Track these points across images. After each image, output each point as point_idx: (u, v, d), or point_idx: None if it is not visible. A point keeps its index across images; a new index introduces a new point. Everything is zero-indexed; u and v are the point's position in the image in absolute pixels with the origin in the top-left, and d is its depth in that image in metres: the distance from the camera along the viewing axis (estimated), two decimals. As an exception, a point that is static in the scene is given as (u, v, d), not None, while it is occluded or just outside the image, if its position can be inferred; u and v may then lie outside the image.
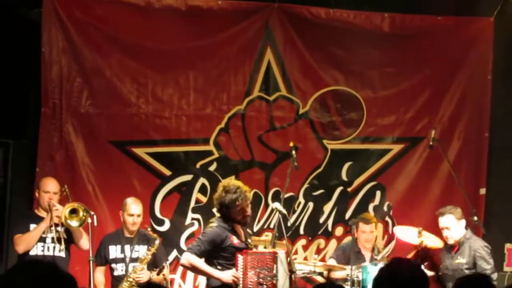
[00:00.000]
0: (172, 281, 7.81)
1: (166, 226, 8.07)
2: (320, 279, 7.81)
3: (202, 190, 8.15)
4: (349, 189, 8.52)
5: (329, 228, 8.45)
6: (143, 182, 8.00)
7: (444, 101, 8.61)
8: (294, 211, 8.26)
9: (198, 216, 8.13)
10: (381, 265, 6.40)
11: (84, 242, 6.86)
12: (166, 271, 6.91)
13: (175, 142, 8.14)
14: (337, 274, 7.34)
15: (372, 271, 6.89)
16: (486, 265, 7.11)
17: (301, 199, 8.38)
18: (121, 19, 7.90)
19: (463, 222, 7.32)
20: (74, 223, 6.78)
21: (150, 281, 6.78)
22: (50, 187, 6.98)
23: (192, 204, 8.15)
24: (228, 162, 8.24)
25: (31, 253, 6.84)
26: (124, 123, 7.96)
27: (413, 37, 8.54)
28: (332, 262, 7.66)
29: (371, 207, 8.52)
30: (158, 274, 6.83)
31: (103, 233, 7.29)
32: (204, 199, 8.15)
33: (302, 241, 8.41)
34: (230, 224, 6.40)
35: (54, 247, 6.89)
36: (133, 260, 7.04)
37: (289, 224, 7.84)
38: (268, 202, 8.23)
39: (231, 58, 8.21)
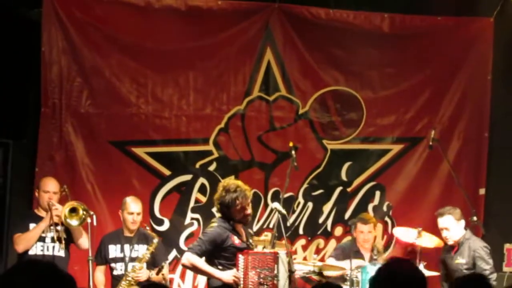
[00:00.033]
0: (171, 280, 7.82)
1: (166, 226, 8.07)
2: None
3: (202, 190, 8.15)
4: (348, 189, 8.51)
5: (329, 228, 8.45)
6: (142, 182, 8.00)
7: (444, 101, 8.60)
8: (294, 211, 8.25)
9: (197, 216, 8.13)
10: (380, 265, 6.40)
11: (84, 241, 6.86)
12: (165, 270, 6.91)
13: (174, 142, 8.14)
14: (333, 273, 7.34)
15: (371, 271, 6.88)
16: (486, 265, 7.11)
17: (300, 199, 8.37)
18: (121, 19, 7.90)
19: (462, 222, 7.32)
20: (74, 222, 6.79)
21: (149, 280, 6.79)
22: (49, 187, 6.98)
23: (192, 204, 8.15)
24: (227, 162, 8.24)
25: (31, 252, 6.84)
26: (124, 123, 7.96)
27: (413, 37, 8.53)
28: (331, 261, 7.66)
29: (370, 207, 8.51)
30: (157, 273, 6.83)
31: (103, 233, 7.29)
32: (203, 199, 8.15)
33: (302, 241, 8.40)
34: (231, 224, 6.40)
35: (53, 247, 6.90)
36: (133, 259, 7.04)
37: (288, 224, 7.85)
38: (267, 202, 8.23)
39: (231, 58, 8.21)
